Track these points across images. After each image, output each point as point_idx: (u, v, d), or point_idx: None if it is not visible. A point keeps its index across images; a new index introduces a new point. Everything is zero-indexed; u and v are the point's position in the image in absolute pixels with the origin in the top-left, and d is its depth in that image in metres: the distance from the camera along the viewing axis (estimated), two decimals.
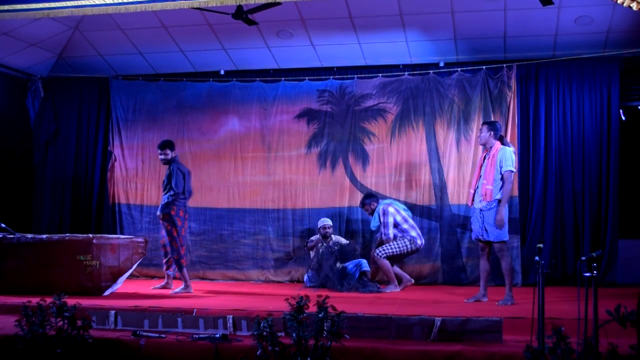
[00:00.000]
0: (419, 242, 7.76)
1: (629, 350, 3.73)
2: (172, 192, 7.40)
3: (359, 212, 8.91)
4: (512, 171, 6.45)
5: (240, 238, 9.21)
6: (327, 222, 8.33)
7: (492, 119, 8.50)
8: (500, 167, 6.39)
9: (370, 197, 8.07)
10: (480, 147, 8.51)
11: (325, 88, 9.17)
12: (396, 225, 7.72)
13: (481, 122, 8.54)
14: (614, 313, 3.59)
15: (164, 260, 7.85)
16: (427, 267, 8.54)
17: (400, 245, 7.67)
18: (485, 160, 6.52)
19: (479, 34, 8.27)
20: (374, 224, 7.98)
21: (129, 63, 9.45)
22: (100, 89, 9.83)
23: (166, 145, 7.62)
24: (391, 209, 7.76)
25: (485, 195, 6.40)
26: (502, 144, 6.58)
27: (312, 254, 8.35)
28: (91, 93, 9.87)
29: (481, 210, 6.44)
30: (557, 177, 8.46)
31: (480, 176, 6.53)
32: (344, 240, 8.41)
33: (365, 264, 8.01)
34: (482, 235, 6.45)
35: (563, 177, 8.45)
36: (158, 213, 7.48)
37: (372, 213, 7.99)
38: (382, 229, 7.75)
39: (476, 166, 6.77)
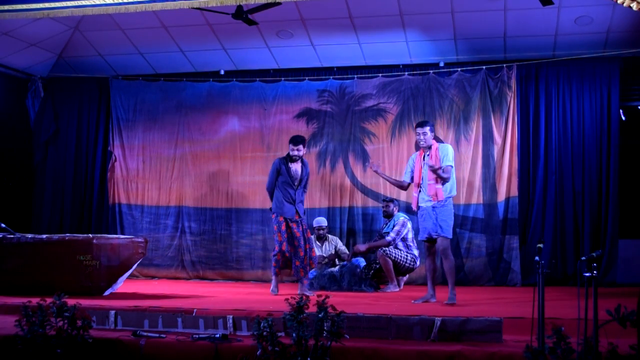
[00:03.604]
0: (417, 263, 7.93)
1: (629, 350, 3.72)
2: (306, 194, 7.31)
3: (359, 211, 8.93)
4: (452, 166, 6.30)
5: (240, 238, 9.21)
6: (323, 222, 8.35)
7: (496, 118, 8.52)
8: (441, 162, 6.27)
9: (394, 202, 8.16)
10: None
11: (325, 88, 9.18)
12: (405, 239, 7.86)
13: (481, 122, 8.57)
14: (614, 313, 3.59)
15: (278, 267, 7.16)
16: None
17: (403, 256, 7.79)
18: (427, 160, 6.34)
19: (479, 34, 8.27)
20: (386, 229, 8.01)
21: (129, 63, 9.46)
22: (100, 89, 9.84)
23: (302, 141, 7.17)
24: (409, 225, 7.93)
25: (436, 195, 6.24)
26: (437, 141, 6.51)
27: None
28: (91, 93, 9.88)
29: (434, 207, 6.26)
30: (557, 177, 8.46)
31: (423, 178, 6.36)
32: (342, 247, 8.45)
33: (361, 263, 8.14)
34: (437, 232, 6.26)
35: (563, 177, 8.46)
36: (302, 215, 7.09)
37: (386, 214, 8.08)
38: (393, 235, 7.82)
39: (413, 169, 6.49)
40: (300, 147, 7.06)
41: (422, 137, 6.38)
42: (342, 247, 8.48)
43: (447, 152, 6.33)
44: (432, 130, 6.45)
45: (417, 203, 6.44)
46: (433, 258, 6.48)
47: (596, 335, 3.63)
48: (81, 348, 4.60)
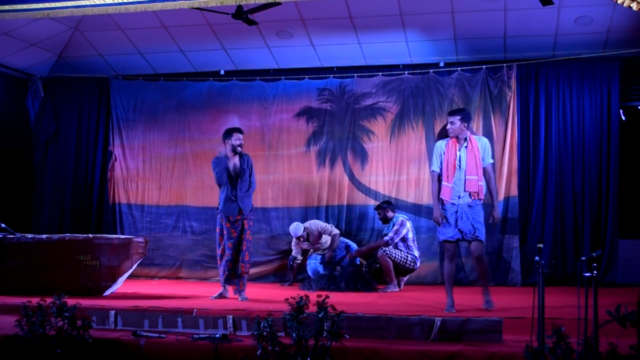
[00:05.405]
0: (417, 263, 7.93)
1: (629, 350, 3.73)
2: (253, 189, 6.89)
3: (357, 210, 8.93)
4: (493, 162, 6.10)
5: None
6: (299, 232, 8.23)
7: (496, 118, 8.51)
8: (483, 160, 5.93)
9: (389, 205, 8.13)
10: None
11: (325, 87, 9.18)
12: (405, 239, 7.86)
13: (481, 122, 8.56)
14: (614, 313, 3.59)
15: (226, 268, 6.77)
16: (427, 266, 8.53)
17: (403, 257, 7.79)
18: (465, 153, 5.90)
19: (479, 34, 8.27)
20: (386, 231, 8.02)
21: (129, 63, 9.46)
22: (100, 89, 9.83)
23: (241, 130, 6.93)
24: (408, 224, 7.93)
25: (478, 192, 5.83)
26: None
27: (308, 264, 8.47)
28: (91, 93, 9.88)
29: (470, 206, 5.84)
30: (557, 177, 8.46)
31: (458, 169, 5.89)
32: (323, 227, 8.36)
33: (352, 247, 8.32)
34: (474, 233, 5.84)
35: (563, 177, 8.46)
36: (247, 213, 6.71)
37: (383, 219, 8.06)
38: (391, 234, 7.82)
39: (445, 159, 5.97)
40: (242, 136, 6.82)
41: (449, 125, 5.97)
42: (322, 227, 8.30)
43: (489, 149, 6.00)
44: (465, 120, 5.95)
45: (451, 197, 5.91)
46: (454, 263, 6.01)
47: (596, 335, 3.63)
48: (81, 348, 4.60)
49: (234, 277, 6.77)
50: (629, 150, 8.62)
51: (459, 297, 6.18)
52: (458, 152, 5.93)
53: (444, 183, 5.96)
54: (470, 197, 5.87)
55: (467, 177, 5.86)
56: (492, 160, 6.04)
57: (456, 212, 5.90)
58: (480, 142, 6.01)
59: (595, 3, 7.41)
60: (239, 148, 6.77)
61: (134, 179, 9.60)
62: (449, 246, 5.96)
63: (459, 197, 5.90)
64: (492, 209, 5.96)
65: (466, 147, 5.93)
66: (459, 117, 5.96)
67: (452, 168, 5.92)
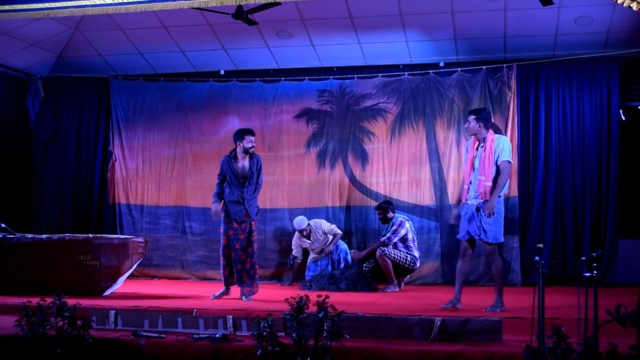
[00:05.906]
0: (417, 264, 7.93)
1: (629, 350, 3.73)
2: (259, 189, 6.87)
3: (357, 211, 8.92)
4: (510, 162, 5.86)
5: None
6: (302, 225, 8.27)
7: (496, 118, 8.50)
8: (497, 158, 5.80)
9: (389, 205, 8.15)
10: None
11: (325, 88, 9.18)
12: (405, 240, 7.86)
13: None
14: (614, 313, 3.59)
15: (235, 269, 6.76)
16: (427, 267, 8.54)
17: (402, 256, 7.79)
18: (480, 153, 5.88)
19: (479, 34, 8.27)
20: (385, 232, 8.03)
21: (129, 63, 9.46)
22: (100, 89, 9.84)
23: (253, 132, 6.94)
24: (408, 225, 7.93)
25: (484, 193, 5.77)
26: (495, 132, 6.09)
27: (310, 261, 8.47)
28: (91, 93, 9.88)
29: (479, 207, 5.81)
30: (557, 177, 8.46)
31: (474, 170, 5.90)
32: (328, 228, 8.36)
33: (341, 248, 8.34)
34: (480, 235, 5.81)
35: (563, 177, 8.46)
36: (253, 215, 6.74)
37: (383, 219, 8.08)
38: (389, 234, 7.82)
39: (467, 158, 6.04)
40: (254, 138, 6.81)
41: (466, 124, 6.03)
42: (328, 228, 8.35)
43: (503, 147, 5.80)
44: (480, 120, 5.89)
45: (466, 198, 5.99)
46: (467, 260, 6.01)
47: (596, 335, 3.63)
48: (81, 348, 4.60)
49: (246, 278, 6.76)
50: (629, 150, 8.62)
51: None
52: (475, 152, 5.95)
53: (463, 185, 6.10)
54: (479, 198, 5.85)
55: (478, 177, 5.87)
56: (507, 159, 5.83)
57: (467, 213, 5.97)
58: (497, 141, 5.88)
59: (595, 3, 7.41)
60: (251, 150, 6.79)
61: (134, 179, 9.60)
62: (461, 244, 6.07)
63: (471, 198, 5.94)
64: (488, 201, 5.81)
65: (482, 147, 5.90)
66: (473, 117, 5.96)
67: (468, 169, 6.00)
